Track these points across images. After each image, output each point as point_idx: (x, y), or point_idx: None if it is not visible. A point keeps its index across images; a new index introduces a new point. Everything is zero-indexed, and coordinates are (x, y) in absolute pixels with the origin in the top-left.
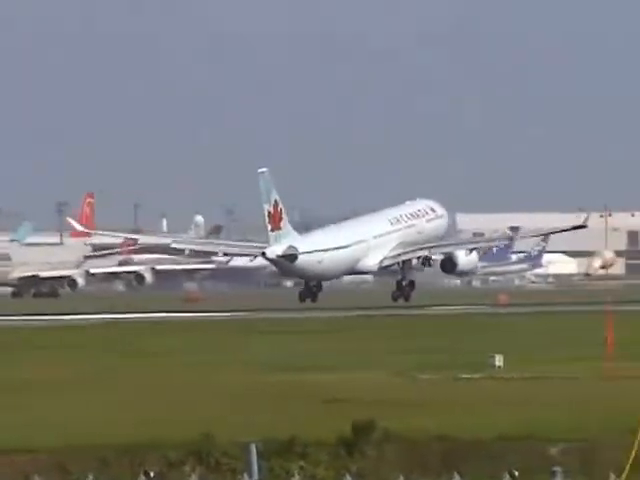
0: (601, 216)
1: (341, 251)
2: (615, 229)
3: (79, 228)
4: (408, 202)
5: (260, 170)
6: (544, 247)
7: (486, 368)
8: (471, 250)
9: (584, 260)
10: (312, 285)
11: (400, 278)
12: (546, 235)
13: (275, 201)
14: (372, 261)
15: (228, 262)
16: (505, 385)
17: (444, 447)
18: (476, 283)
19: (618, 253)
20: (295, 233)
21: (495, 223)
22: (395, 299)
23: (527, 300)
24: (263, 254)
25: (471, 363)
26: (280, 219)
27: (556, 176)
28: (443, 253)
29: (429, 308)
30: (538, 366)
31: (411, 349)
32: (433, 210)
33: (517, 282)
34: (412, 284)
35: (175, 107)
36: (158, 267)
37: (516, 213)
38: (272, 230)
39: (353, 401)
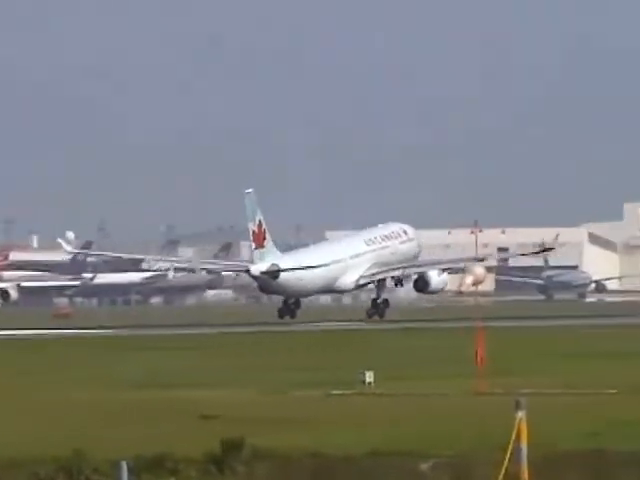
0: (471, 232)
1: (320, 269)
2: (485, 245)
3: (68, 249)
4: (381, 225)
5: (247, 191)
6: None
7: (357, 385)
8: (443, 270)
9: (455, 276)
10: (290, 302)
11: (375, 296)
12: (519, 255)
13: (259, 221)
14: (349, 279)
15: (93, 279)
16: (375, 401)
17: (315, 463)
18: (347, 300)
19: (488, 269)
20: (277, 251)
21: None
22: (370, 316)
23: (399, 317)
24: (247, 271)
25: (343, 380)
26: (264, 238)
27: (427, 192)
28: (417, 273)
29: (300, 324)
30: (409, 382)
31: (284, 366)
32: (405, 233)
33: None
34: (386, 302)
35: (51, 118)
36: (24, 284)
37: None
38: (256, 248)
39: (224, 418)
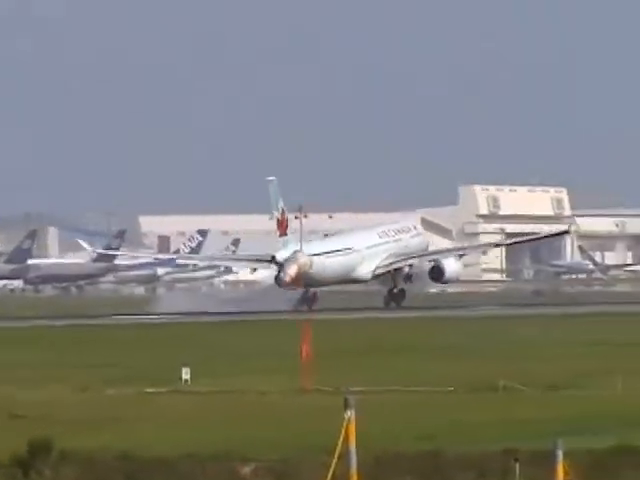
0: (296, 217)
1: (340, 258)
2: (311, 232)
3: (88, 248)
4: (392, 220)
5: (269, 178)
6: (234, 251)
7: (174, 382)
8: (460, 256)
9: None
10: (309, 295)
11: (392, 286)
12: (532, 241)
13: (282, 209)
14: (366, 269)
15: None
16: (193, 400)
17: (127, 466)
18: (160, 291)
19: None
20: (298, 240)
21: (181, 225)
22: (387, 304)
23: (220, 309)
24: (273, 257)
25: (158, 377)
26: (286, 226)
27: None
28: (432, 261)
29: (111, 317)
30: (229, 379)
31: (102, 363)
32: (415, 228)
33: (204, 289)
34: (403, 292)
35: None
36: None
37: (203, 215)
38: (280, 236)
39: (33, 417)
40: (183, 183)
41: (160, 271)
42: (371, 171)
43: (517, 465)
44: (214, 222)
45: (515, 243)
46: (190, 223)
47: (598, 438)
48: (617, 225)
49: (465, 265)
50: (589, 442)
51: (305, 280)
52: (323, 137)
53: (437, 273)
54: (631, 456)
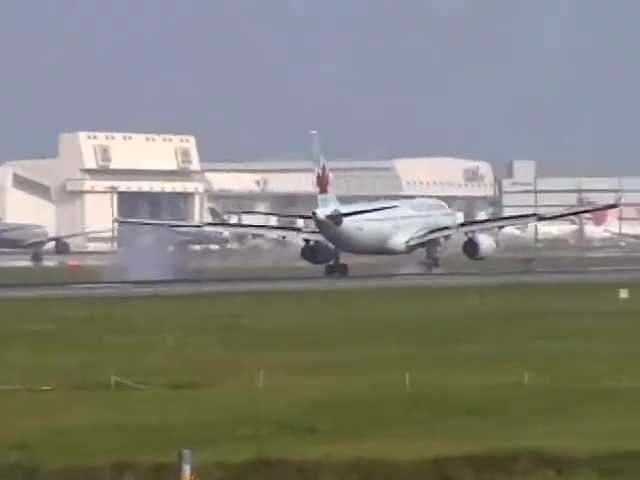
0: None
1: (378, 223)
2: None
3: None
4: (421, 198)
5: (311, 132)
6: None
7: None
8: (500, 227)
9: None
10: (337, 265)
11: (425, 259)
12: (578, 213)
13: (323, 165)
14: (400, 239)
15: None
16: None
17: None
18: None
19: None
20: (336, 200)
21: None
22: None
23: None
24: (314, 214)
25: None
26: (327, 183)
27: None
28: (466, 234)
29: None
30: None
31: None
32: (444, 207)
33: None
34: (436, 260)
35: None
36: None
37: None
38: (320, 193)
39: None
40: None
41: None
42: None
43: None
44: None
45: (553, 218)
46: None
47: (234, 447)
48: (258, 183)
49: (91, 232)
50: (222, 453)
51: (341, 240)
52: None
53: (472, 248)
54: (271, 470)
